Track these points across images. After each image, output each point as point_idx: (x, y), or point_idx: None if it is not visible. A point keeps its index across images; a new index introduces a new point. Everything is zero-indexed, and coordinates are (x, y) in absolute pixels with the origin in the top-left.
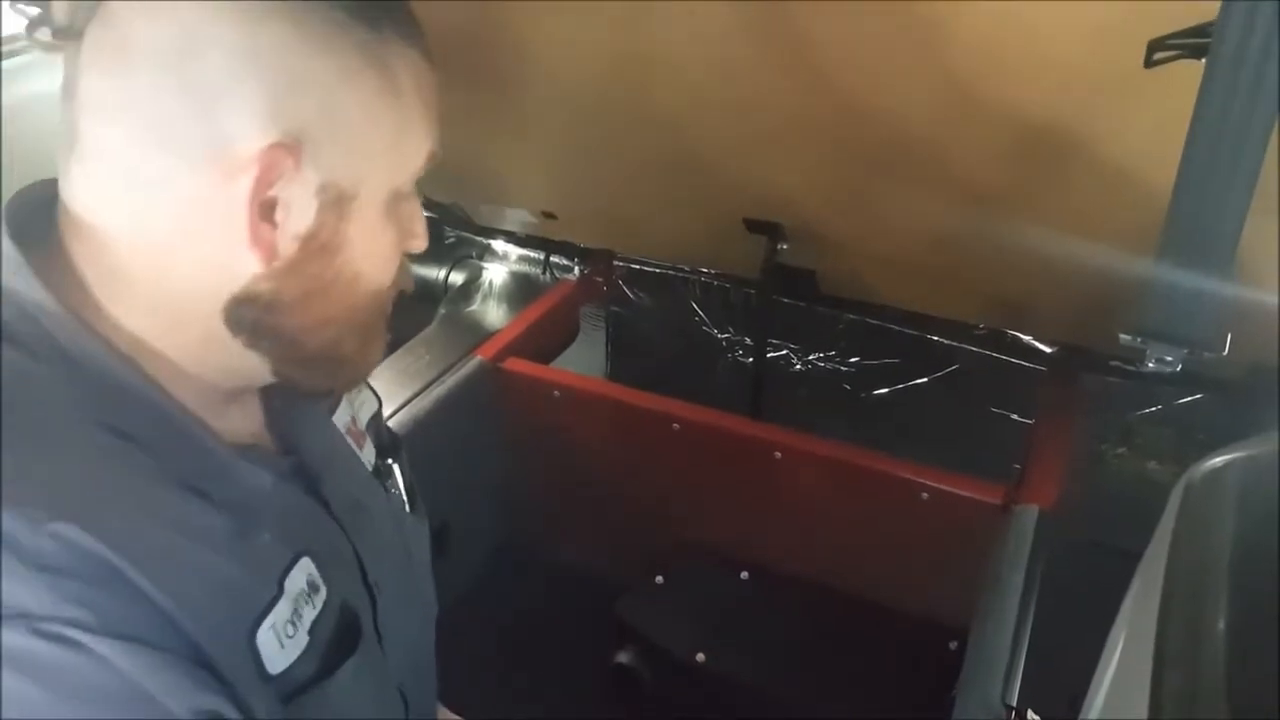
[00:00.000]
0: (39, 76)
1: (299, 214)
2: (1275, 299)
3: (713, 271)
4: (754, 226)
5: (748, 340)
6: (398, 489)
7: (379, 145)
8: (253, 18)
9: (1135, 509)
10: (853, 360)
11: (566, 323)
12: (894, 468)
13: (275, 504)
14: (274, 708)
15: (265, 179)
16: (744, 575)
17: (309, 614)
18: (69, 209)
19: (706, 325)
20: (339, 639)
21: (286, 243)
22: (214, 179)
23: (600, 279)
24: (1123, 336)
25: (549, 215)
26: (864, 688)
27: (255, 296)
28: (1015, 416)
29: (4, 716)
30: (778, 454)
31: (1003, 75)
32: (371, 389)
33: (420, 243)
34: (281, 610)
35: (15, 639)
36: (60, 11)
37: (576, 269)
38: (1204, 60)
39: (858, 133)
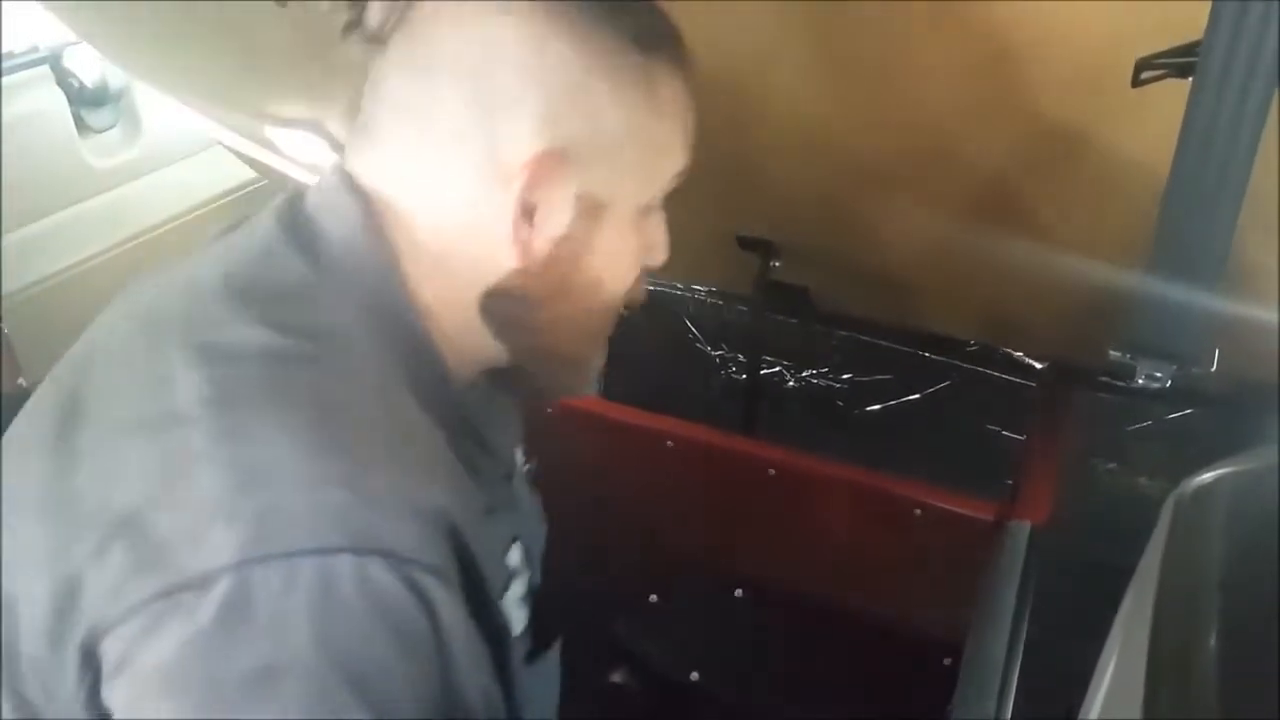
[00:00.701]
0: (35, 94)
1: (556, 218)
2: (1263, 314)
3: (706, 289)
4: (746, 244)
5: (741, 357)
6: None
7: (636, 161)
8: (542, 35)
9: (1128, 524)
10: (846, 377)
11: None
12: (887, 484)
13: (503, 484)
14: (520, 671)
15: (532, 184)
16: (738, 593)
17: (521, 592)
18: (359, 181)
19: (700, 342)
20: (537, 618)
21: (541, 243)
22: (488, 178)
23: None
24: (1112, 352)
25: None
26: (858, 705)
27: (508, 290)
28: (1007, 433)
29: (336, 638)
30: (771, 471)
31: (995, 93)
32: None
33: (661, 255)
34: (515, 586)
35: (384, 575)
36: (374, 18)
37: None
38: (1190, 79)
39: (849, 150)
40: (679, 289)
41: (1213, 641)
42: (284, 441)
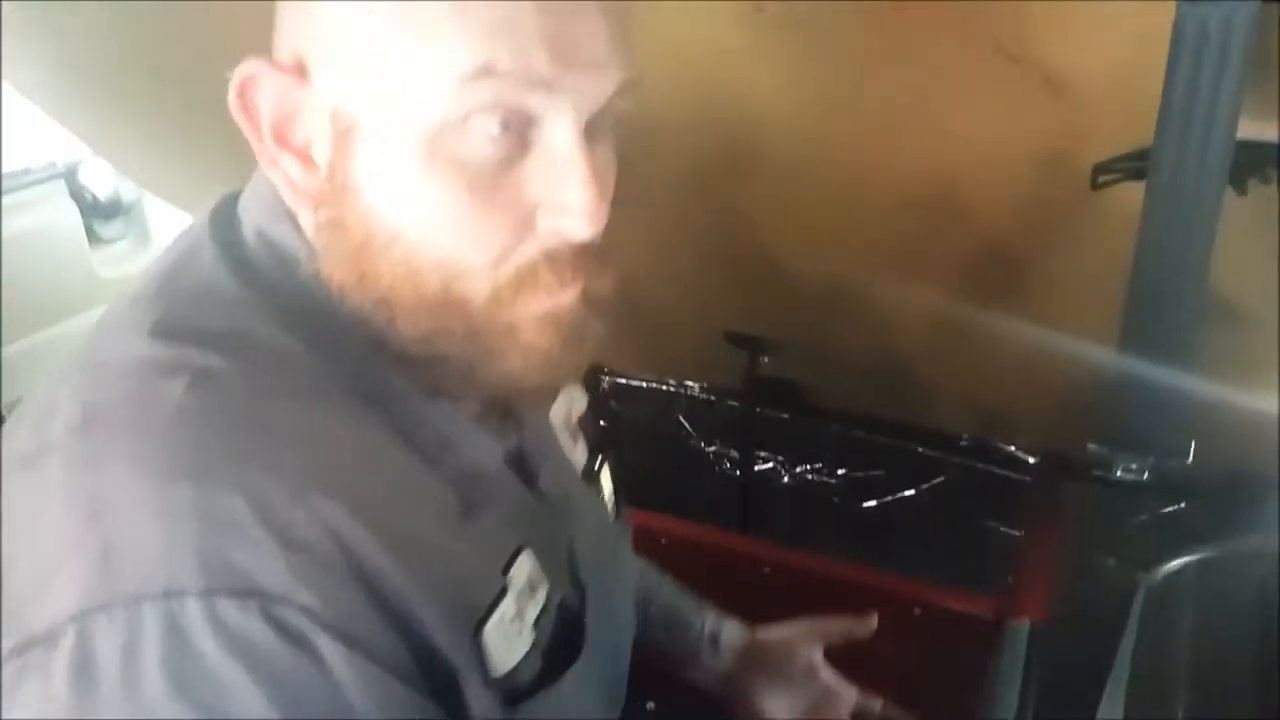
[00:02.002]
0: (49, 206)
1: (321, 148)
2: (1253, 404)
3: (698, 385)
4: (735, 339)
5: (734, 453)
6: (606, 492)
7: (382, 56)
8: None
9: (1127, 619)
10: (840, 472)
11: None
12: (884, 583)
13: (496, 485)
14: (496, 713)
15: (244, 100)
16: None
17: (531, 611)
18: None
19: (693, 438)
20: (563, 639)
21: (316, 183)
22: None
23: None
24: (1091, 446)
25: None
26: None
27: (318, 253)
28: (1004, 528)
29: (196, 690)
30: (766, 569)
31: (970, 191)
32: (581, 386)
33: (570, 218)
34: (508, 605)
35: (240, 618)
36: None
37: None
38: (1145, 181)
39: (831, 249)
40: (671, 385)
41: (1180, 717)
42: (134, 465)
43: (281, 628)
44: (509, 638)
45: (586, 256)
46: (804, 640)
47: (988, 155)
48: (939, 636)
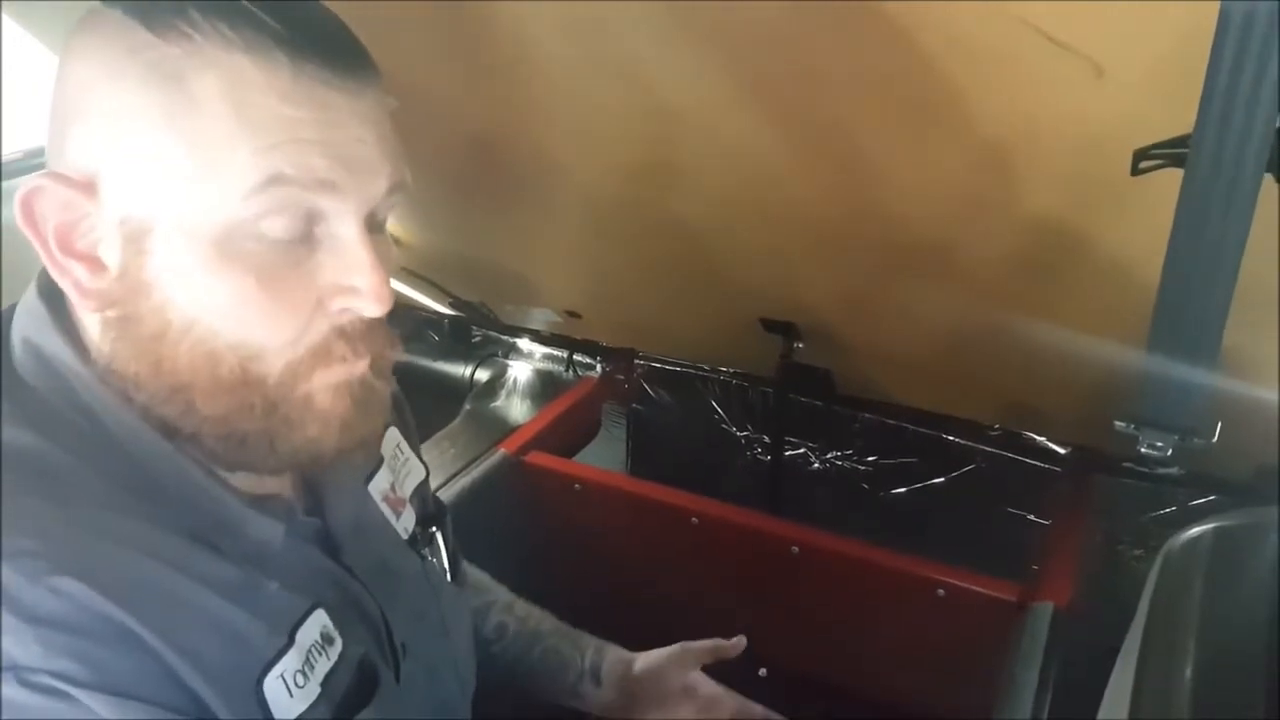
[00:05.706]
0: None
1: (110, 252)
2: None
3: (732, 370)
4: (770, 326)
5: (766, 438)
6: (438, 558)
7: (172, 169)
8: (63, 58)
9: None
10: (870, 459)
11: (588, 419)
12: (910, 565)
13: (287, 557)
14: None
15: (29, 212)
16: (762, 672)
17: (322, 665)
18: None
19: (725, 423)
20: (355, 691)
21: (109, 285)
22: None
23: (621, 377)
24: (1117, 424)
25: (573, 314)
26: None
27: (106, 353)
28: (1032, 517)
29: None
30: (795, 549)
31: (1008, 181)
32: (420, 458)
33: (361, 299)
34: (291, 660)
35: (6, 691)
36: None
37: (598, 367)
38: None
39: (870, 237)
40: (705, 370)
41: (1188, 674)
42: None
43: (44, 690)
44: (292, 689)
45: (377, 330)
46: (677, 663)
47: (1020, 138)
48: (963, 619)
